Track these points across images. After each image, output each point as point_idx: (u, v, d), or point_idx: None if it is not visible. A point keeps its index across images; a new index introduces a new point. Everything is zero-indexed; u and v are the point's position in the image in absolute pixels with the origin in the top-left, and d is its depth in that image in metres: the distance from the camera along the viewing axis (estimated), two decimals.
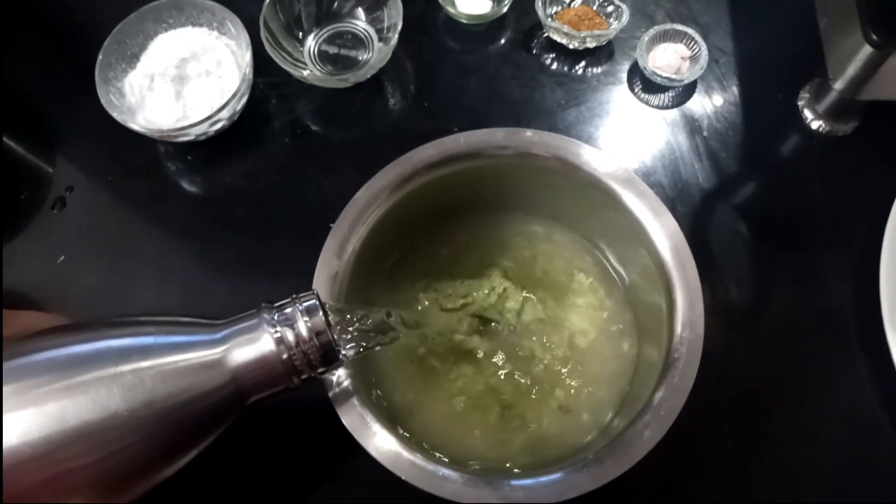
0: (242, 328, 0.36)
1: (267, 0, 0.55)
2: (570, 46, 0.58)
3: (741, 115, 0.56)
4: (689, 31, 0.56)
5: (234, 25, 0.54)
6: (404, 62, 0.59)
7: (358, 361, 0.41)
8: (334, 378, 0.39)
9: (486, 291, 0.47)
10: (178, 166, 0.56)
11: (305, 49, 0.59)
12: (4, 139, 0.58)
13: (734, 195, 0.53)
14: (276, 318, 0.36)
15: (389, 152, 0.45)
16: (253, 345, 0.36)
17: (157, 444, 0.34)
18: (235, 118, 0.55)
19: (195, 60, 0.54)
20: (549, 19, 0.57)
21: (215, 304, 0.46)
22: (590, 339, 0.47)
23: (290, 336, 0.35)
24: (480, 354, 0.46)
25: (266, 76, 0.57)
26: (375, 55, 0.57)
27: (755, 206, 0.53)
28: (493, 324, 0.47)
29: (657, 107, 0.57)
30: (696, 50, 0.56)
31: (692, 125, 0.56)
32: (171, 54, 0.54)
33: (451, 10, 0.58)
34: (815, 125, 0.55)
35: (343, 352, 0.37)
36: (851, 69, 0.48)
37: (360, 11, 0.59)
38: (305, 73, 0.55)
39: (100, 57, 0.53)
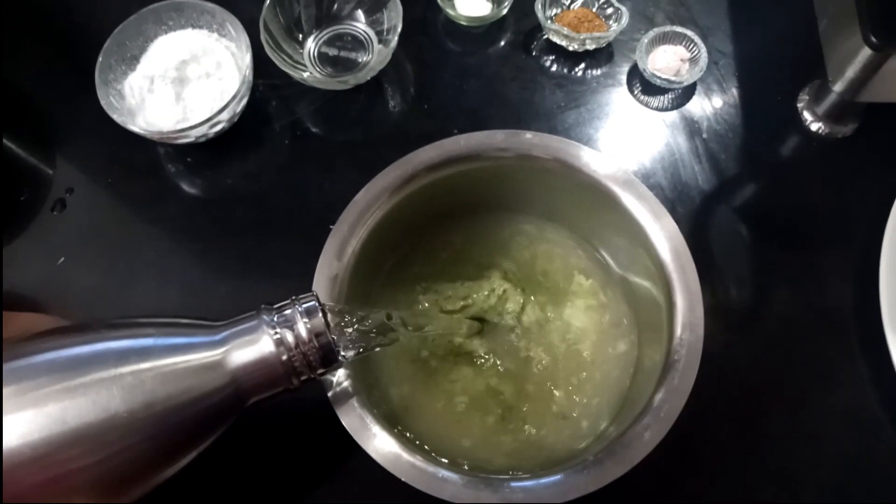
0: (242, 330, 0.36)
1: (267, 2, 0.55)
2: (570, 48, 0.58)
3: (741, 117, 0.56)
4: (689, 33, 0.56)
5: (234, 27, 0.54)
6: (404, 64, 0.59)
7: (357, 362, 0.41)
8: (334, 379, 0.39)
9: (486, 293, 0.47)
10: (178, 168, 0.56)
11: (305, 51, 0.59)
12: (4, 140, 0.58)
13: (734, 197, 0.53)
14: (275, 319, 0.36)
15: (389, 154, 0.45)
16: (252, 346, 0.36)
17: (157, 445, 0.34)
18: (235, 120, 0.55)
19: (195, 62, 0.55)
20: (549, 21, 0.57)
21: (215, 306, 0.46)
22: (589, 340, 0.47)
23: (289, 337, 0.35)
24: (480, 356, 0.46)
25: (266, 78, 0.57)
26: (375, 57, 0.57)
27: (755, 207, 0.53)
28: (493, 325, 0.47)
29: (657, 109, 0.57)
30: (696, 52, 0.56)
31: (692, 127, 0.56)
32: (171, 56, 0.54)
33: (450, 11, 0.58)
34: (814, 127, 0.55)
35: (343, 353, 0.37)
36: (851, 71, 0.48)
37: (360, 13, 0.59)
38: (305, 74, 0.55)
39: (100, 59, 0.53)
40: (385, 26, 0.58)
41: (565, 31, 0.56)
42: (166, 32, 0.56)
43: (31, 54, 0.61)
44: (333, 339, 0.36)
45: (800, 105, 0.55)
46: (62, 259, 0.53)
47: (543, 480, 0.37)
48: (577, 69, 0.58)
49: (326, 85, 0.56)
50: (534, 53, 0.59)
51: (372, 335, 0.40)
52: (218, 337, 0.36)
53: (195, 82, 0.54)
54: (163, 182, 0.55)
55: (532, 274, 0.49)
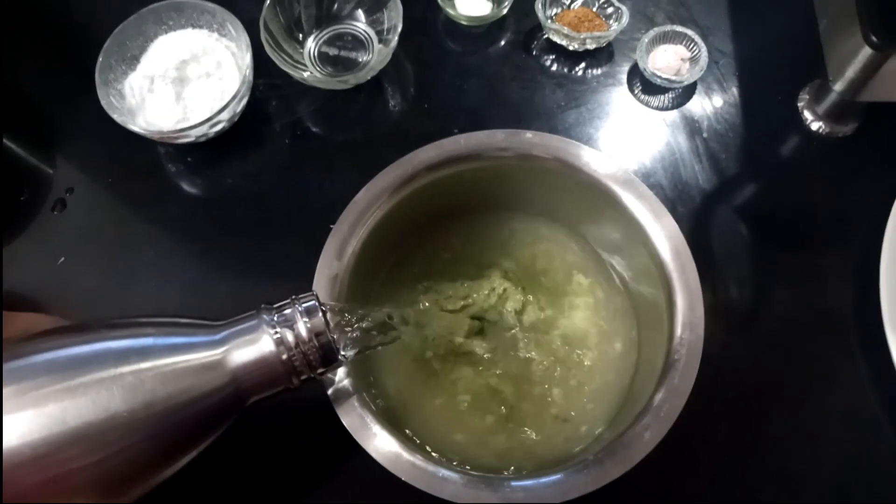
0: (242, 329, 0.36)
1: (267, 2, 0.55)
2: (570, 48, 0.58)
3: (741, 117, 0.56)
4: (689, 32, 0.56)
5: (235, 27, 0.54)
6: (404, 64, 0.59)
7: (357, 362, 0.41)
8: (334, 378, 0.39)
9: (486, 292, 0.47)
10: (179, 168, 0.56)
11: (305, 51, 0.59)
12: (4, 140, 0.58)
13: (734, 196, 0.53)
14: (275, 319, 0.36)
15: (389, 153, 0.45)
16: (252, 346, 0.36)
17: (158, 444, 0.34)
18: (235, 120, 0.55)
19: (195, 62, 0.55)
20: (549, 21, 0.57)
21: (216, 305, 0.46)
22: (589, 340, 0.47)
23: (289, 337, 0.36)
24: (480, 356, 0.46)
25: (266, 78, 0.57)
26: (375, 57, 0.57)
27: (755, 206, 0.53)
28: (493, 325, 0.47)
29: (657, 108, 0.57)
30: (696, 51, 0.56)
31: (692, 126, 0.56)
32: (172, 56, 0.54)
33: (451, 11, 0.58)
34: (814, 126, 0.55)
35: (343, 352, 0.37)
36: (851, 71, 0.48)
37: (360, 13, 0.59)
38: (305, 74, 0.55)
39: (100, 59, 0.53)
40: (385, 26, 0.58)
41: (565, 30, 0.56)
42: (166, 32, 0.56)
43: (31, 54, 0.61)
44: (333, 338, 0.36)
45: (800, 104, 0.55)
46: (62, 259, 0.53)
47: (543, 480, 0.37)
48: (577, 69, 0.58)
49: (326, 84, 0.56)
50: (534, 53, 0.59)
51: (372, 334, 0.40)
52: (218, 336, 0.36)
53: (195, 82, 0.54)
54: (163, 182, 0.55)
55: (532, 273, 0.49)
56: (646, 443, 0.37)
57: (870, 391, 0.47)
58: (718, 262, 0.51)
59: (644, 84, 0.57)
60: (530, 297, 0.48)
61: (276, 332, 0.36)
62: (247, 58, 0.53)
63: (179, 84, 0.54)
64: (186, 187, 0.55)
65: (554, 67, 0.58)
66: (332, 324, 0.37)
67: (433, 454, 0.41)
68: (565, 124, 0.56)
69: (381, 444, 0.38)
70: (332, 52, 0.59)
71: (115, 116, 0.51)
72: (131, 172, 0.56)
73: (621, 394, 0.45)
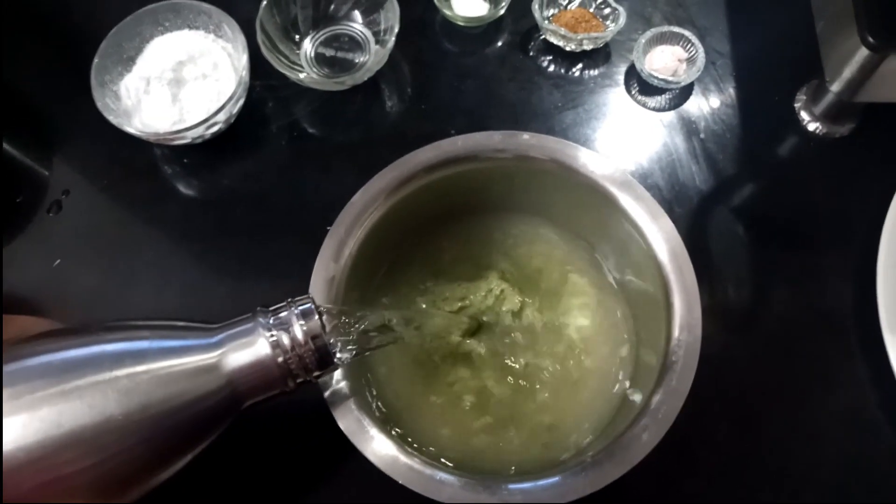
0: (238, 332, 0.36)
1: (263, 3, 0.55)
2: (567, 49, 0.58)
3: (738, 117, 0.56)
4: (686, 33, 0.56)
5: (231, 28, 0.54)
6: (401, 65, 0.59)
7: (353, 364, 0.41)
8: (331, 381, 0.39)
9: (484, 294, 0.47)
10: (175, 169, 0.56)
11: (302, 52, 0.58)
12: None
13: (732, 197, 0.53)
14: (271, 321, 0.36)
15: (387, 155, 0.45)
16: (248, 349, 0.35)
17: (153, 448, 0.34)
18: (232, 121, 0.55)
19: (191, 63, 0.54)
20: (546, 22, 0.57)
21: (215, 306, 0.46)
22: (586, 341, 0.46)
23: (285, 340, 0.35)
24: (477, 357, 0.46)
25: (263, 79, 0.57)
26: (372, 58, 0.57)
27: (753, 207, 0.53)
28: (490, 326, 0.47)
29: (654, 109, 0.56)
30: (693, 52, 0.56)
31: (689, 127, 0.55)
32: (168, 57, 0.54)
33: (447, 12, 0.58)
34: (812, 127, 0.55)
35: (339, 355, 0.37)
36: (848, 71, 0.48)
37: (357, 14, 0.59)
38: (302, 75, 0.55)
39: (96, 60, 0.53)
40: (382, 27, 0.58)
41: (562, 31, 0.56)
42: (163, 33, 0.56)
43: (30, 55, 0.61)
44: (329, 341, 0.36)
45: (797, 105, 0.55)
46: (58, 261, 0.53)
47: (541, 482, 0.37)
48: (574, 69, 0.58)
49: (323, 86, 0.56)
50: (531, 54, 0.59)
51: (369, 336, 0.39)
52: (213, 339, 0.36)
53: (192, 83, 0.54)
54: (160, 183, 0.55)
55: (530, 274, 0.49)
56: (644, 444, 0.37)
57: (869, 391, 0.47)
58: (716, 262, 0.51)
59: (641, 85, 0.57)
60: (527, 299, 0.48)
61: (272, 335, 0.35)
62: (243, 59, 0.53)
63: (176, 85, 0.54)
64: (183, 189, 0.55)
65: (551, 68, 0.58)
66: (328, 326, 0.37)
67: (425, 448, 0.41)
68: (562, 125, 0.56)
69: (378, 447, 0.38)
70: (329, 53, 0.59)
71: (111, 118, 0.51)
72: (128, 174, 0.56)
73: (618, 395, 0.45)
